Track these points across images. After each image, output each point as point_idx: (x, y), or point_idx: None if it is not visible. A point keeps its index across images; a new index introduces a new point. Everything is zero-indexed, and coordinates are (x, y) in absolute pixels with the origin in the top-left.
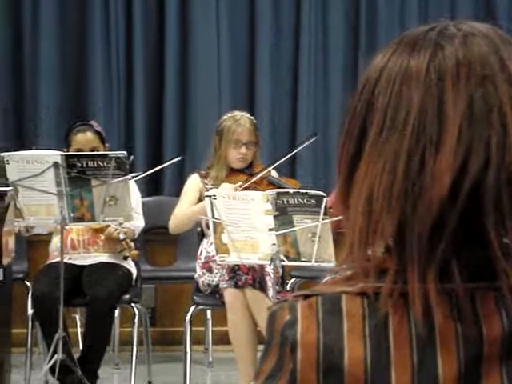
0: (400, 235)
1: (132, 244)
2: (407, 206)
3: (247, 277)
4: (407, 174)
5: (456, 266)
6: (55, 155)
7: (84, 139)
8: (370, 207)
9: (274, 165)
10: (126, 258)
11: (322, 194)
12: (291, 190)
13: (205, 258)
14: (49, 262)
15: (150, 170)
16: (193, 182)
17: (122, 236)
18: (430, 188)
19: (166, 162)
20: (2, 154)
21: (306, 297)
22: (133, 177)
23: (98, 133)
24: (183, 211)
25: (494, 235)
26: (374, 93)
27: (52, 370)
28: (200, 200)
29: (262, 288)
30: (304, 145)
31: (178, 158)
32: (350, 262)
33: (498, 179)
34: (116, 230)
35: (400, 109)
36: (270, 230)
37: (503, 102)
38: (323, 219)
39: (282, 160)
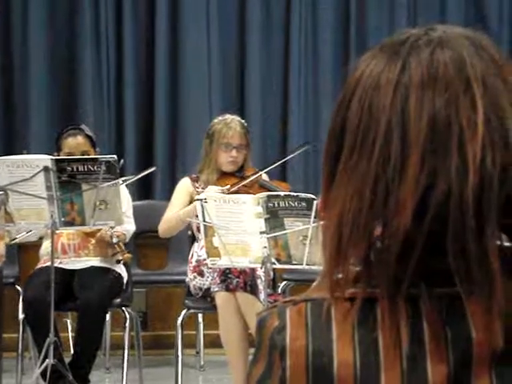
0: (368, 261)
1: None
2: (373, 234)
3: (238, 280)
4: (373, 201)
5: (425, 292)
6: (45, 159)
7: (75, 143)
8: (339, 232)
9: (265, 170)
10: (118, 262)
11: (312, 196)
12: (282, 193)
13: (196, 261)
14: (39, 266)
15: (139, 173)
16: (183, 186)
17: (114, 239)
18: (395, 216)
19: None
20: None
21: (296, 302)
22: (123, 181)
23: (88, 137)
24: (170, 215)
25: (455, 264)
26: (349, 109)
27: (43, 374)
28: (190, 203)
29: (254, 291)
30: (295, 153)
31: (153, 169)
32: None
33: (459, 209)
34: (108, 231)
35: (368, 133)
36: (261, 233)
37: (463, 129)
38: (314, 222)
39: (273, 166)
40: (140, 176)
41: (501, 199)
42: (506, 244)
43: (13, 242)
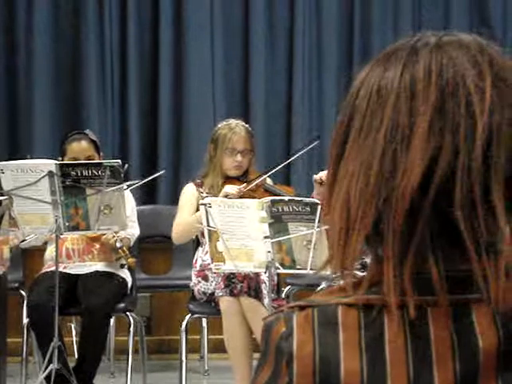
0: (377, 232)
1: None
2: (381, 203)
3: (242, 285)
4: (381, 171)
5: (433, 258)
6: (50, 164)
7: (79, 148)
8: (348, 205)
9: (271, 171)
10: (122, 266)
11: (316, 201)
12: (286, 198)
13: (200, 266)
14: (44, 271)
15: (144, 178)
16: (189, 192)
17: (118, 244)
18: (402, 181)
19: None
20: None
21: (302, 308)
22: (128, 186)
23: (92, 142)
24: (185, 219)
25: (465, 226)
26: (355, 104)
27: (47, 379)
28: (198, 209)
29: (258, 296)
30: (306, 149)
31: (163, 171)
32: (332, 265)
33: (467, 168)
34: (113, 237)
35: (377, 111)
36: (265, 237)
37: (470, 92)
38: (318, 227)
39: (280, 166)
40: (145, 181)
41: (509, 163)
42: None
43: (21, 244)
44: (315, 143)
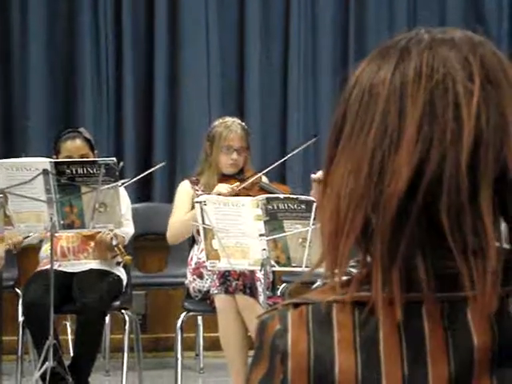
0: (366, 234)
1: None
2: (369, 206)
3: (238, 282)
4: (370, 173)
5: (423, 268)
6: (45, 162)
7: (73, 146)
8: (337, 208)
9: (267, 169)
10: (119, 264)
11: (312, 199)
12: (281, 196)
13: (195, 263)
14: (39, 269)
15: (139, 176)
16: (184, 190)
17: (114, 241)
18: (390, 186)
19: (153, 166)
20: None
21: (296, 305)
22: (122, 183)
23: (87, 140)
24: (180, 219)
25: (451, 231)
26: (349, 103)
27: (43, 377)
28: (193, 206)
29: (253, 294)
30: (303, 146)
31: (163, 164)
32: (323, 264)
33: (454, 169)
34: (108, 234)
35: (367, 111)
36: (261, 235)
37: (459, 95)
38: (313, 224)
39: (276, 164)
40: (138, 177)
41: (496, 163)
42: (506, 246)
43: (22, 245)
44: (313, 140)
